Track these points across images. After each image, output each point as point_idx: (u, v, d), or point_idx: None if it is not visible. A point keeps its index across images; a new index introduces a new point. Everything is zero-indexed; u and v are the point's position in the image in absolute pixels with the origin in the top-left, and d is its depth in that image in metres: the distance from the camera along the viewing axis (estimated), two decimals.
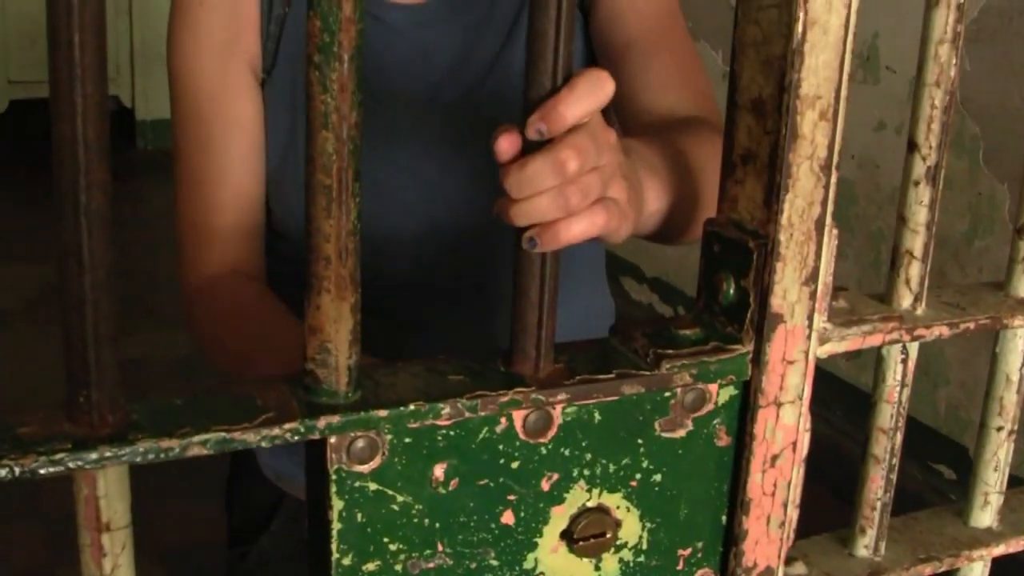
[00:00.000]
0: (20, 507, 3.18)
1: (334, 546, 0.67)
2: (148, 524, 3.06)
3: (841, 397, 3.42)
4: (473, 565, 0.72)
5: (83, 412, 0.60)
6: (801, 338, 0.75)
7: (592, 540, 0.74)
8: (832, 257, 0.75)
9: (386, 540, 0.69)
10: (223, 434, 0.62)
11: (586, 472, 0.73)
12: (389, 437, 0.67)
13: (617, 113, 1.37)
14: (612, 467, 0.74)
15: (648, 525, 0.76)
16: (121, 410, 0.61)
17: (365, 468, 0.67)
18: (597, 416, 0.72)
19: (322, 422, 0.64)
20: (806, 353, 0.75)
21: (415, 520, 0.69)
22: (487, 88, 1.41)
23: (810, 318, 0.75)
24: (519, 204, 0.76)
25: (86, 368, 0.60)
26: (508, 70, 1.41)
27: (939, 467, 3.18)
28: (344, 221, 0.63)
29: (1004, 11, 2.92)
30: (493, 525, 0.72)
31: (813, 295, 0.75)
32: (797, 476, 0.78)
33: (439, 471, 0.69)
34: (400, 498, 0.68)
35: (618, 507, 0.75)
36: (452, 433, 0.68)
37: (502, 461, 0.70)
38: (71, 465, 0.59)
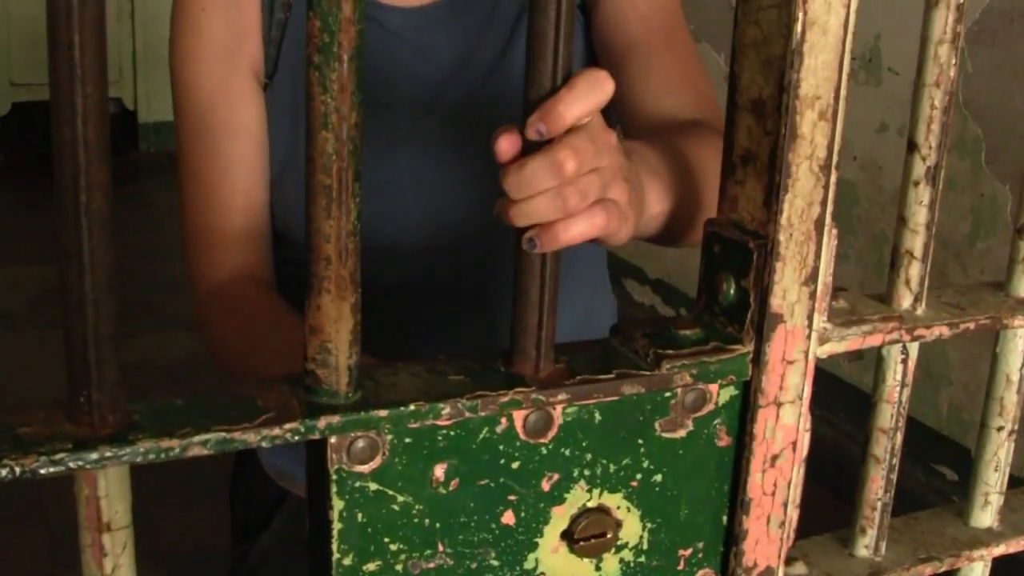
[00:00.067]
0: (21, 509, 3.18)
1: (334, 546, 0.67)
2: (149, 526, 3.07)
3: (844, 399, 3.42)
4: (474, 565, 0.72)
5: (84, 412, 0.60)
6: (801, 338, 0.75)
7: (593, 540, 0.74)
8: (832, 257, 0.75)
9: (387, 540, 0.69)
10: (223, 434, 0.62)
11: (587, 472, 0.73)
12: (389, 437, 0.67)
13: (618, 115, 1.38)
14: (612, 467, 0.74)
15: (649, 525, 0.76)
16: (122, 410, 0.62)
17: (365, 468, 0.67)
18: (597, 416, 0.72)
19: (322, 422, 0.64)
20: (806, 353, 0.76)
21: (415, 520, 0.69)
22: (488, 90, 1.41)
23: (810, 318, 0.75)
24: (518, 205, 0.76)
25: (87, 368, 0.60)
26: (509, 72, 1.41)
27: (941, 468, 3.18)
28: (344, 221, 0.64)
29: (1005, 12, 2.92)
30: (494, 525, 0.72)
31: (813, 295, 0.75)
32: (797, 476, 0.78)
33: (439, 471, 0.69)
34: (400, 498, 0.68)
35: (619, 507, 0.75)
36: (452, 433, 0.68)
37: (502, 461, 0.70)
38: (72, 465, 0.59)
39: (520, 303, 0.73)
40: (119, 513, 0.63)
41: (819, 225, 0.74)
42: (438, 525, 0.70)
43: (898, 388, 0.86)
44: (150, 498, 3.11)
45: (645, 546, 0.77)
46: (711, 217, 0.78)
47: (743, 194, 0.75)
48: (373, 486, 0.67)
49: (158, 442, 0.61)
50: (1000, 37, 2.94)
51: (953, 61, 0.81)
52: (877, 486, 0.87)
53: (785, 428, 0.76)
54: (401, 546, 0.69)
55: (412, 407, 0.66)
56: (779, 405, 0.75)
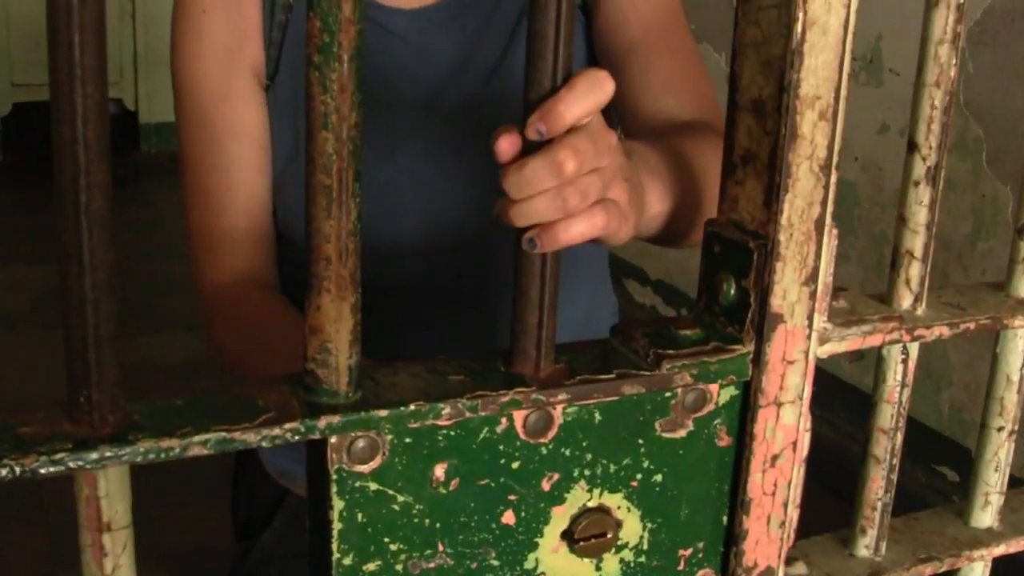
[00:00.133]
0: (21, 509, 3.18)
1: (335, 546, 0.67)
2: (149, 526, 3.07)
3: (844, 399, 3.42)
4: (474, 565, 0.72)
5: (84, 412, 0.60)
6: (801, 338, 0.75)
7: (593, 540, 0.74)
8: (832, 257, 0.75)
9: (387, 540, 0.69)
10: (223, 434, 0.62)
11: (587, 472, 0.73)
12: (389, 437, 0.67)
13: (619, 116, 1.38)
14: (613, 467, 0.74)
15: (649, 525, 0.76)
16: (122, 410, 0.62)
17: (365, 468, 0.67)
18: (598, 416, 0.72)
19: (322, 422, 0.64)
20: (806, 353, 0.76)
21: (416, 520, 0.69)
22: (489, 91, 1.41)
23: (810, 318, 0.75)
24: (518, 205, 0.76)
25: (87, 368, 0.60)
26: (510, 73, 1.41)
27: (942, 469, 3.18)
28: (344, 221, 0.64)
29: (1007, 13, 2.92)
30: (494, 525, 0.72)
31: (813, 295, 0.75)
32: (797, 476, 0.78)
33: (440, 471, 0.69)
34: (401, 498, 0.68)
35: (619, 507, 0.75)
36: (453, 433, 0.68)
37: (503, 461, 0.70)
38: (72, 465, 0.59)
39: (520, 303, 0.73)
40: (119, 513, 0.63)
41: (819, 225, 0.74)
42: (438, 525, 0.70)
43: (898, 388, 0.86)
44: (150, 498, 3.12)
45: (645, 546, 0.77)
46: (711, 217, 0.78)
47: (743, 194, 0.75)
48: (373, 486, 0.67)
49: (158, 442, 0.61)
50: (1001, 37, 2.94)
51: (953, 61, 0.81)
52: (877, 486, 0.87)
53: (785, 428, 0.76)
54: (401, 546, 0.69)
55: (412, 407, 0.66)
56: (779, 405, 0.75)
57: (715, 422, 0.76)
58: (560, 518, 0.73)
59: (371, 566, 0.69)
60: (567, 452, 0.72)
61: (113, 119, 6.27)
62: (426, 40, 1.41)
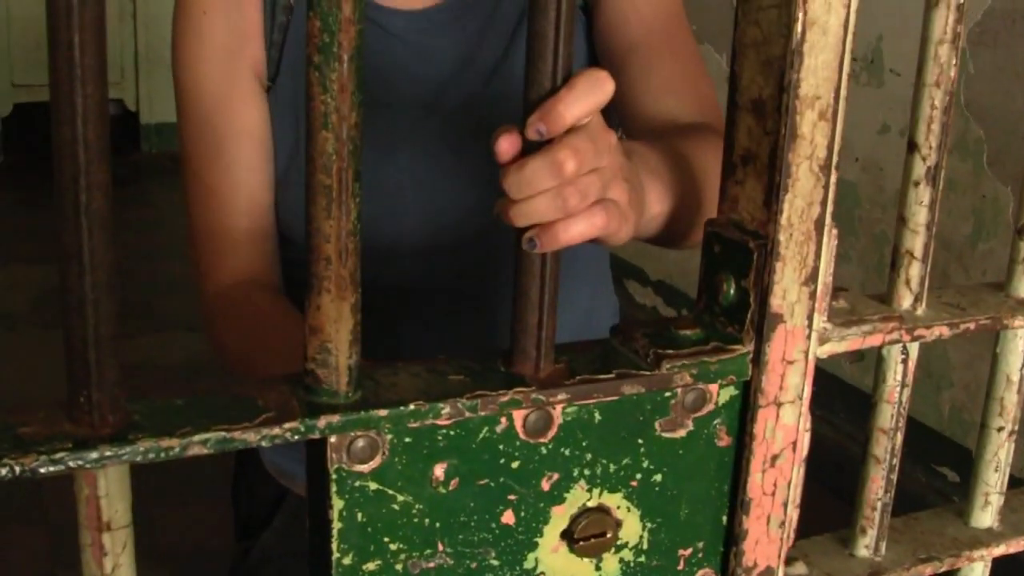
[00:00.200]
0: (22, 509, 3.18)
1: (334, 545, 0.67)
2: (150, 526, 3.07)
3: (845, 399, 3.42)
4: (473, 565, 0.72)
5: (84, 412, 0.60)
6: (801, 338, 0.75)
7: (592, 540, 0.74)
8: (832, 257, 0.75)
9: (386, 540, 0.69)
10: (223, 433, 0.62)
11: (586, 472, 0.73)
12: (389, 437, 0.67)
13: (619, 117, 1.38)
14: (612, 467, 0.74)
15: (648, 525, 0.76)
16: (122, 410, 0.62)
17: (365, 468, 0.67)
18: (597, 416, 0.72)
19: (322, 422, 0.64)
20: (806, 353, 0.76)
21: (415, 520, 0.69)
22: (489, 91, 1.41)
23: (810, 318, 0.75)
24: (518, 205, 0.76)
25: (87, 368, 0.60)
26: (510, 74, 1.41)
27: (942, 470, 3.18)
28: (344, 221, 0.64)
29: (1007, 14, 2.92)
30: (493, 525, 0.72)
31: (813, 295, 0.75)
32: (797, 476, 0.78)
33: (439, 471, 0.69)
34: (400, 498, 0.68)
35: (618, 507, 0.75)
36: (452, 433, 0.68)
37: (502, 461, 0.70)
38: (71, 464, 0.59)
39: (520, 303, 0.73)
40: (119, 512, 0.63)
41: (819, 225, 0.74)
42: (438, 525, 0.70)
43: (898, 388, 0.86)
44: (151, 498, 3.12)
45: (645, 546, 0.77)
46: (711, 217, 0.78)
47: (743, 194, 0.75)
48: (373, 485, 0.67)
49: (158, 441, 0.61)
50: (1002, 39, 2.94)
51: (953, 61, 0.81)
52: (877, 486, 0.87)
53: (785, 428, 0.76)
54: (401, 546, 0.69)
55: (412, 407, 0.66)
56: (779, 405, 0.75)
57: (715, 422, 0.76)
58: (560, 518, 0.74)
59: (371, 566, 0.69)
60: (567, 452, 0.72)
61: (114, 119, 6.29)
62: (426, 41, 1.41)
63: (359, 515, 0.67)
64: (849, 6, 0.71)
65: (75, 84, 0.55)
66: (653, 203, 1.01)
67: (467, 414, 0.68)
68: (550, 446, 0.71)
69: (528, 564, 0.73)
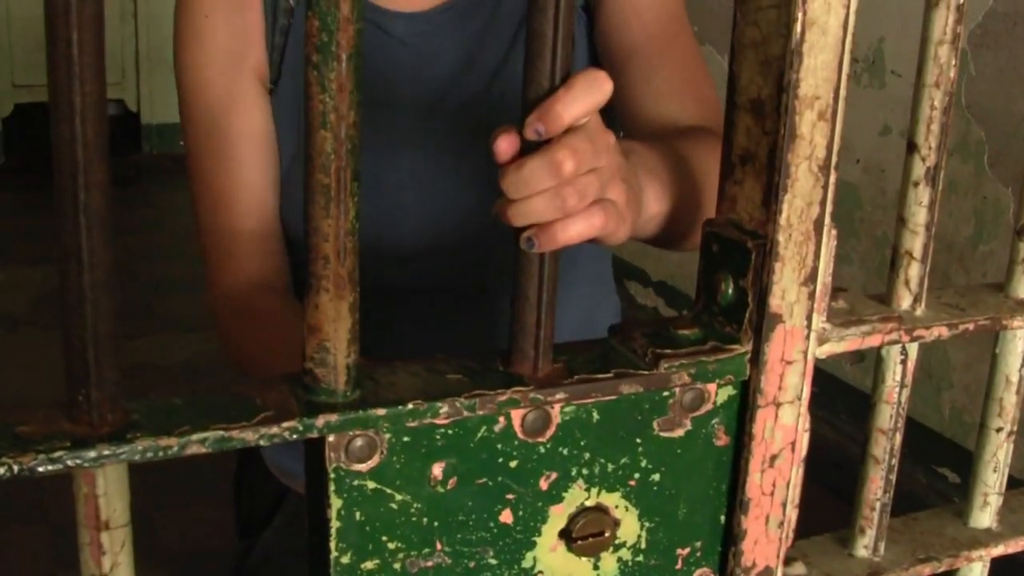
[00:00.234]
0: (22, 509, 3.19)
1: (333, 544, 0.67)
2: (150, 526, 3.07)
3: (846, 400, 3.42)
4: (472, 564, 0.72)
5: (82, 411, 0.60)
6: (800, 338, 0.75)
7: (591, 539, 0.74)
8: (831, 257, 0.75)
9: (385, 539, 0.69)
10: (222, 432, 0.62)
11: (584, 471, 0.73)
12: (388, 436, 0.67)
13: (620, 120, 1.38)
14: (611, 466, 0.74)
15: (647, 524, 0.76)
16: (120, 409, 0.62)
17: (364, 467, 0.67)
18: (595, 415, 0.72)
19: (320, 421, 0.64)
20: (805, 353, 0.76)
21: (414, 519, 0.69)
22: (491, 94, 1.41)
23: (809, 318, 0.75)
24: (516, 204, 0.76)
25: (85, 367, 0.60)
26: (512, 75, 1.41)
27: (942, 471, 3.18)
28: (343, 220, 0.64)
29: (1008, 16, 2.92)
30: (492, 524, 0.72)
31: (812, 295, 0.75)
32: (796, 476, 0.78)
33: (437, 470, 0.69)
34: (399, 497, 0.68)
35: (617, 506, 0.75)
36: (451, 432, 0.69)
37: (500, 460, 0.70)
38: (70, 463, 0.59)
39: (518, 303, 0.73)
40: (117, 512, 0.63)
41: (818, 225, 0.74)
42: (436, 524, 0.70)
43: (897, 389, 0.86)
44: (151, 498, 3.12)
45: (643, 545, 0.77)
46: (710, 217, 0.78)
47: (742, 194, 0.75)
48: (371, 485, 0.67)
49: (156, 440, 0.61)
50: (1003, 41, 2.94)
51: (953, 62, 0.81)
52: (876, 486, 0.87)
53: (784, 428, 0.76)
54: (399, 545, 0.69)
55: (410, 406, 0.66)
56: (778, 405, 0.75)
57: (713, 422, 0.76)
58: (558, 517, 0.74)
59: (369, 564, 0.69)
60: (565, 451, 0.72)
61: (115, 120, 6.29)
62: (428, 43, 1.41)
63: (357, 514, 0.67)
64: (848, 6, 0.71)
65: (73, 82, 0.55)
66: (651, 203, 1.01)
67: (465, 413, 0.68)
68: (548, 445, 0.72)
69: (526, 563, 0.74)
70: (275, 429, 0.63)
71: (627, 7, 1.38)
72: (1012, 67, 2.92)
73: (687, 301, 4.29)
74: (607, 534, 0.75)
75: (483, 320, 1.46)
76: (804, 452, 0.78)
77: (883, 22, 3.28)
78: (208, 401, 0.65)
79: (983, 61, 2.99)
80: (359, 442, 0.66)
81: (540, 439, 0.71)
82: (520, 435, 0.70)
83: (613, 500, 0.75)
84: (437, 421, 0.68)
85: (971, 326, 0.85)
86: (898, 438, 0.87)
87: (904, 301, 0.84)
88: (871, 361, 0.87)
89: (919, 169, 0.83)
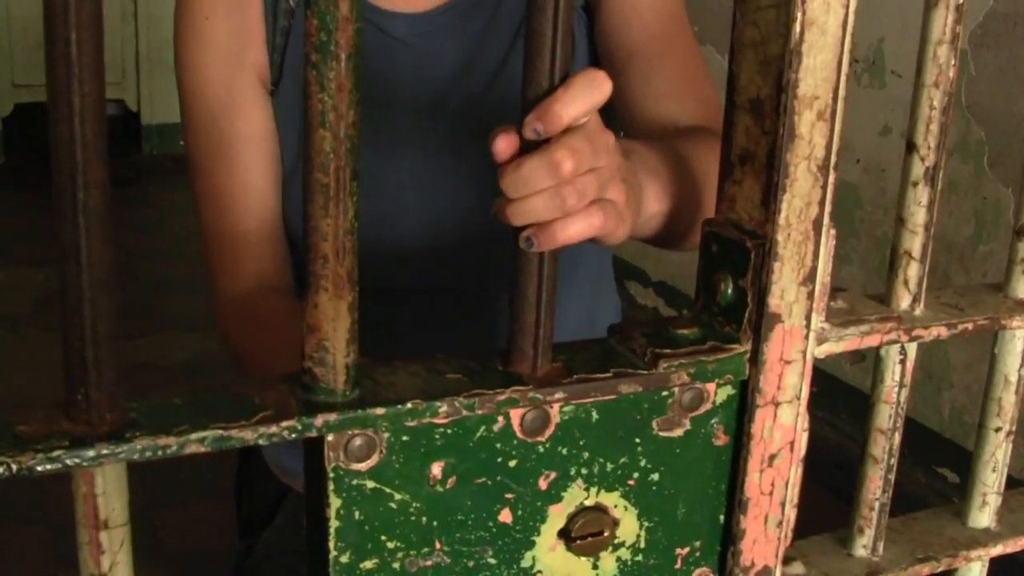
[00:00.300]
0: (22, 509, 3.19)
1: (332, 544, 0.67)
2: (151, 526, 3.07)
3: (846, 401, 3.42)
4: (471, 563, 0.72)
5: (81, 410, 0.60)
6: (799, 338, 0.75)
7: (590, 539, 0.74)
8: (830, 257, 0.75)
9: (384, 538, 0.69)
10: (220, 432, 0.62)
11: (584, 471, 0.73)
12: (387, 435, 0.67)
13: (620, 120, 1.38)
14: (610, 466, 0.74)
15: (646, 524, 0.76)
16: (120, 408, 0.62)
17: (363, 466, 0.67)
18: (595, 415, 0.72)
19: (319, 420, 0.64)
20: (804, 353, 0.76)
21: (413, 518, 0.69)
22: (491, 95, 1.41)
23: (808, 318, 0.75)
24: (515, 204, 0.76)
25: (84, 366, 0.60)
26: (512, 77, 1.41)
27: (942, 471, 3.17)
28: (342, 220, 0.64)
29: (1009, 16, 2.92)
30: (491, 523, 0.72)
31: (811, 295, 0.75)
32: (795, 476, 0.78)
33: (437, 469, 0.69)
34: (398, 496, 0.68)
35: (616, 506, 0.75)
36: (450, 432, 0.69)
37: (500, 460, 0.71)
38: (68, 463, 0.59)
39: (518, 302, 0.73)
40: (116, 511, 0.63)
41: (817, 225, 0.74)
42: (435, 523, 0.70)
43: (896, 388, 0.86)
44: (152, 498, 3.12)
45: (642, 545, 0.77)
46: (709, 217, 0.78)
47: (741, 194, 0.75)
48: (370, 484, 0.67)
49: (155, 440, 0.61)
50: (1004, 41, 2.94)
51: (952, 62, 0.81)
52: (875, 486, 0.87)
53: (783, 428, 0.76)
54: (398, 544, 0.69)
55: (409, 405, 0.66)
56: (777, 405, 0.75)
57: (712, 421, 0.76)
58: (557, 516, 0.74)
59: (368, 564, 0.69)
60: (564, 451, 0.72)
61: (115, 120, 6.29)
62: (428, 43, 1.42)
63: (356, 513, 0.67)
64: (848, 6, 0.71)
65: (72, 82, 0.55)
66: (651, 202, 1.01)
67: (464, 413, 0.68)
68: (547, 445, 0.72)
69: (525, 563, 0.74)
70: (274, 428, 0.63)
71: (627, 7, 1.38)
72: (1012, 67, 2.92)
73: (687, 301, 4.29)
74: (606, 534, 0.75)
75: (483, 320, 1.46)
76: (803, 452, 0.78)
77: (883, 22, 3.28)
78: (207, 400, 0.65)
79: (983, 61, 2.99)
80: (358, 441, 0.66)
81: (539, 439, 0.71)
82: (519, 435, 0.71)
83: (612, 500, 0.75)
84: (436, 420, 0.68)
85: (970, 326, 0.85)
86: (897, 438, 0.87)
87: (903, 301, 0.84)
88: (871, 361, 0.87)
89: (918, 169, 0.83)
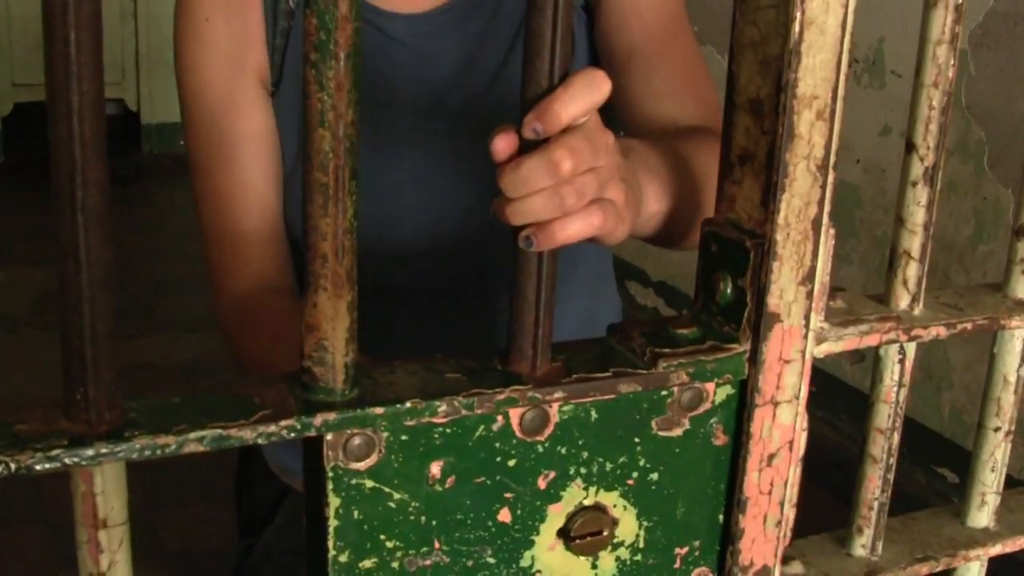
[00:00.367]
0: (22, 509, 3.19)
1: (331, 543, 0.67)
2: (151, 526, 3.07)
3: (846, 401, 3.42)
4: (470, 563, 0.72)
5: (80, 409, 0.60)
6: (798, 337, 0.75)
7: (589, 538, 0.74)
8: (829, 257, 0.75)
9: (383, 537, 0.69)
10: (219, 431, 0.62)
11: (583, 470, 0.73)
12: (386, 435, 0.67)
13: (620, 120, 1.38)
14: (609, 465, 0.74)
15: (645, 524, 0.76)
16: (118, 407, 0.62)
17: (362, 465, 0.67)
18: (594, 415, 0.72)
19: (318, 419, 0.64)
20: (803, 353, 0.76)
21: (412, 518, 0.69)
22: (491, 95, 1.41)
23: (807, 318, 0.75)
24: (514, 203, 0.76)
25: (83, 365, 0.60)
26: (512, 78, 1.41)
27: (942, 471, 3.17)
28: (341, 219, 0.64)
29: (1009, 16, 2.92)
30: (490, 523, 0.72)
31: (810, 295, 0.75)
32: (794, 475, 0.78)
33: (436, 469, 0.69)
34: (397, 495, 0.68)
35: (615, 505, 0.75)
36: (449, 431, 0.69)
37: (499, 459, 0.71)
38: (67, 461, 0.59)
39: (517, 302, 0.73)
40: (115, 510, 0.63)
41: (816, 225, 0.74)
42: (434, 522, 0.70)
43: (895, 388, 0.86)
44: (152, 498, 3.12)
45: (641, 544, 0.77)
46: (709, 217, 0.78)
47: (740, 193, 0.75)
48: (369, 483, 0.67)
49: (154, 439, 0.61)
50: (1004, 41, 2.94)
51: (952, 62, 0.81)
52: (874, 485, 0.87)
53: (782, 427, 0.76)
54: (397, 543, 0.69)
55: (408, 404, 0.66)
56: (776, 404, 0.76)
57: (711, 421, 0.76)
58: (556, 516, 0.74)
59: (367, 563, 0.69)
60: (563, 450, 0.72)
61: (115, 119, 6.29)
62: (428, 44, 1.41)
63: (355, 513, 0.67)
64: (847, 6, 0.71)
65: (71, 81, 0.55)
66: (651, 202, 1.01)
67: (463, 412, 0.68)
68: (546, 444, 0.72)
69: (524, 562, 0.74)
70: (273, 428, 0.63)
71: (627, 7, 1.38)
72: (1012, 67, 2.92)
73: (687, 301, 4.28)
74: (605, 533, 0.75)
75: (483, 321, 1.46)
76: (802, 451, 0.78)
77: (883, 22, 3.28)
78: (206, 400, 0.65)
79: (983, 61, 2.99)
80: (357, 441, 0.66)
81: (538, 438, 0.71)
82: (518, 434, 0.71)
83: (611, 499, 0.75)
84: (435, 420, 0.68)
85: (969, 326, 0.85)
86: (896, 437, 0.87)
87: (902, 301, 0.84)
88: (871, 361, 0.87)
89: (917, 169, 0.83)
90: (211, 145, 1.40)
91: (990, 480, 0.93)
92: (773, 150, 0.72)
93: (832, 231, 0.75)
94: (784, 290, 0.74)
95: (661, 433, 0.75)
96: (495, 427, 0.70)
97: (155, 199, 5.85)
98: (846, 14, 0.71)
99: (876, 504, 0.88)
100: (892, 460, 0.87)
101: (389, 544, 0.69)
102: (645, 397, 0.73)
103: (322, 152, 0.63)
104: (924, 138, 0.83)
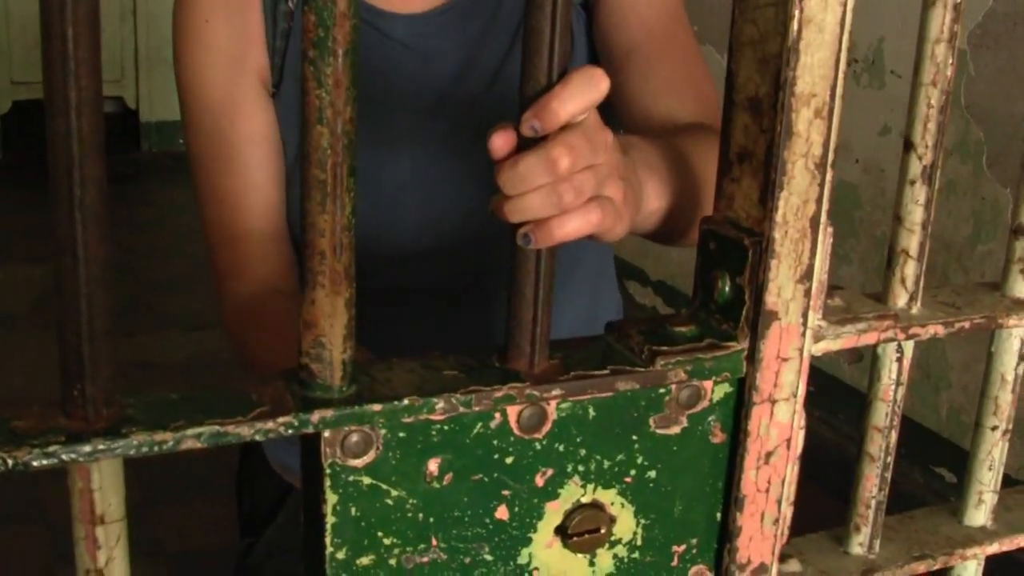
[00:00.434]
0: (21, 507, 3.19)
1: (328, 540, 0.68)
2: (152, 525, 3.07)
3: (845, 400, 3.42)
4: (467, 560, 0.72)
5: (78, 406, 0.61)
6: (796, 335, 0.75)
7: (586, 536, 0.75)
8: (827, 255, 0.75)
9: (380, 534, 0.69)
10: (217, 427, 0.62)
11: (580, 468, 0.73)
12: (383, 432, 0.67)
13: (619, 118, 1.38)
14: (607, 463, 0.74)
15: (643, 521, 0.76)
16: (116, 404, 0.62)
17: (359, 462, 0.67)
18: (592, 412, 0.72)
19: (316, 416, 0.64)
20: (801, 351, 0.76)
21: (409, 515, 0.69)
22: (491, 95, 1.41)
23: (805, 316, 0.75)
24: (512, 201, 0.76)
25: (80, 362, 0.60)
26: (512, 77, 1.41)
27: (940, 470, 3.18)
28: (339, 216, 0.64)
29: (1008, 16, 2.92)
30: (487, 520, 0.72)
31: (808, 293, 0.75)
32: (792, 473, 0.78)
33: (433, 466, 0.69)
34: (394, 492, 0.68)
35: (612, 503, 0.75)
36: (446, 428, 0.69)
37: (496, 456, 0.71)
38: (64, 458, 0.59)
39: (515, 299, 0.73)
40: (112, 506, 0.63)
41: (814, 223, 0.74)
42: (432, 520, 0.70)
43: (893, 387, 0.86)
44: (149, 496, 3.12)
45: (639, 542, 0.77)
46: (707, 215, 0.78)
47: (739, 191, 0.75)
48: (367, 480, 0.67)
49: (151, 435, 0.61)
50: (1003, 41, 2.94)
51: (950, 61, 0.81)
52: (872, 484, 0.87)
53: (779, 425, 0.76)
54: (395, 540, 0.69)
55: (406, 401, 0.66)
56: (773, 402, 0.76)
57: (709, 419, 0.76)
58: (554, 513, 0.74)
59: (364, 560, 0.69)
60: (561, 448, 0.72)
61: (114, 118, 6.29)
62: (428, 44, 1.41)
63: (353, 509, 0.67)
64: (846, 4, 0.71)
65: (69, 77, 0.55)
66: (650, 199, 1.01)
67: (461, 409, 0.68)
68: (544, 442, 0.72)
69: (522, 559, 0.74)
70: (270, 424, 0.63)
71: (626, 5, 1.38)
72: (1012, 67, 2.92)
73: (686, 300, 4.26)
74: (603, 531, 0.75)
75: (482, 320, 1.46)
76: (800, 449, 0.78)
77: (883, 22, 3.28)
78: (203, 396, 0.65)
79: (983, 61, 2.99)
80: (355, 438, 0.66)
81: (536, 435, 0.71)
82: (516, 431, 0.71)
83: (609, 497, 0.75)
84: (433, 417, 0.68)
85: (967, 324, 0.85)
86: (893, 436, 0.87)
87: (900, 299, 0.84)
88: (869, 360, 0.87)
89: (915, 168, 0.83)
90: (212, 146, 1.40)
91: (988, 479, 0.93)
92: (772, 148, 0.72)
93: (830, 229, 0.75)
94: (782, 288, 0.74)
95: (659, 431, 0.75)
96: (493, 424, 0.70)
97: (154, 197, 5.85)
98: (845, 12, 0.71)
99: (873, 503, 0.88)
100: (890, 459, 0.87)
101: (386, 541, 0.69)
102: (643, 395, 0.73)
103: (320, 149, 0.63)
104: (922, 137, 0.83)
